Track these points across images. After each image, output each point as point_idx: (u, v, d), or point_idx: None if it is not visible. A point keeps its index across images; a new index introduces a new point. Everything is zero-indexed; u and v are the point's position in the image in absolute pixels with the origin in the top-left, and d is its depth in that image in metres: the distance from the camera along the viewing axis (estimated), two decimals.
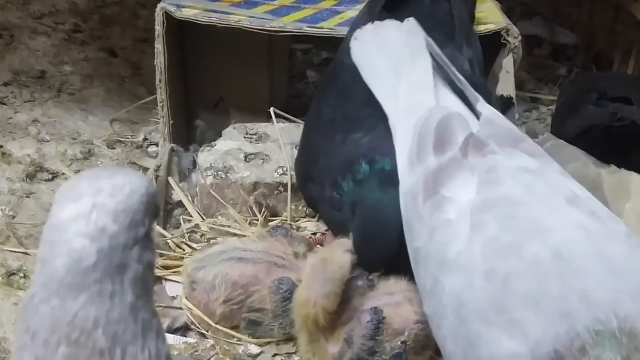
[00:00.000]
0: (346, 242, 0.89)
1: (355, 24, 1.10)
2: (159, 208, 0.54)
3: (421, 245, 0.75)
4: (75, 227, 0.46)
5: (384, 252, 0.86)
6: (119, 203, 0.47)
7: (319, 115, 1.05)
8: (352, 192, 0.92)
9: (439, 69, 0.89)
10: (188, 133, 1.28)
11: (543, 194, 0.71)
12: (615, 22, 1.53)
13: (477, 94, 0.85)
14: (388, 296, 0.86)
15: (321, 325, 0.82)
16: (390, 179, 0.85)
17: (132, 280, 0.47)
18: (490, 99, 1.08)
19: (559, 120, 1.25)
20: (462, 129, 0.79)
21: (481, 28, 1.13)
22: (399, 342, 0.81)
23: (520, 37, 1.12)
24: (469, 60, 1.03)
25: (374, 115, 0.93)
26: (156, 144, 1.30)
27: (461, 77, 0.88)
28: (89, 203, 0.47)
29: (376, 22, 0.98)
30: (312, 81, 1.55)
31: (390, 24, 0.96)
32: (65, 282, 0.45)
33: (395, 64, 0.90)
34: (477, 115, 0.84)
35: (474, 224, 0.70)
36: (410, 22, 0.93)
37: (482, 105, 0.84)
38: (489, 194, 0.72)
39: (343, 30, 1.11)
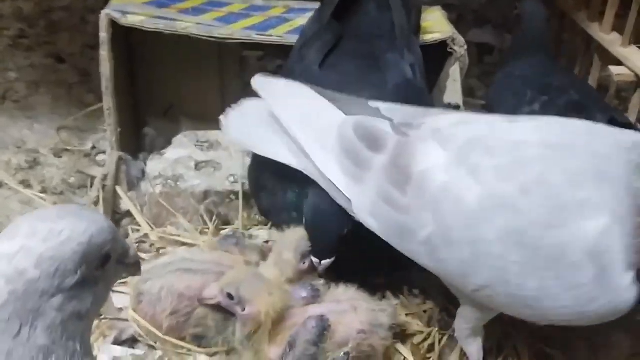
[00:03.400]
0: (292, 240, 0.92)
1: (305, 32, 1.11)
2: (108, 256, 0.52)
3: (430, 231, 0.71)
4: None
5: (328, 236, 0.88)
6: (48, 249, 0.47)
7: None
8: (302, 184, 0.92)
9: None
10: (137, 141, 1.26)
11: (492, 125, 0.74)
12: (562, 31, 1.57)
13: (363, 99, 0.86)
14: (334, 304, 0.86)
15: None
16: None
17: (49, 326, 0.47)
18: (433, 103, 1.10)
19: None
20: (381, 123, 0.78)
21: (427, 37, 1.15)
22: (342, 353, 0.81)
23: (466, 47, 1.14)
24: (410, 65, 1.05)
25: None
26: (105, 153, 1.28)
27: (328, 92, 0.88)
28: (18, 244, 0.46)
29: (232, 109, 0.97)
30: None
31: (246, 104, 0.95)
32: None
33: (275, 120, 0.88)
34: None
35: (469, 170, 0.69)
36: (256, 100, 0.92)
37: (373, 103, 0.84)
38: (456, 143, 0.72)
39: (292, 38, 1.11)
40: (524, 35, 1.26)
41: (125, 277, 0.71)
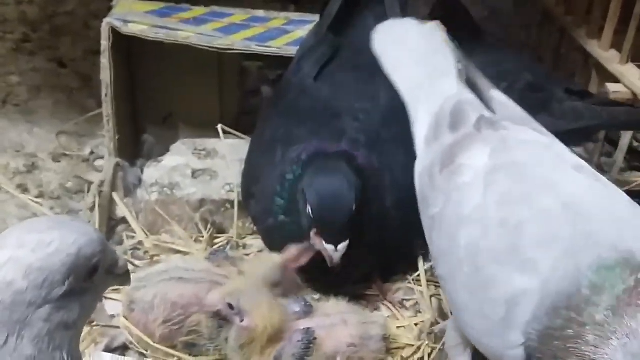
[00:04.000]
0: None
1: (304, 44, 1.12)
2: (96, 268, 0.52)
3: (437, 212, 0.80)
4: None
5: (340, 214, 0.88)
6: (37, 260, 0.47)
7: (262, 135, 1.06)
8: (294, 185, 0.94)
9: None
10: (136, 148, 1.27)
11: (551, 161, 0.78)
12: (560, 46, 1.58)
13: (490, 83, 0.92)
14: (323, 318, 0.86)
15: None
16: (324, 160, 0.92)
17: (36, 337, 0.47)
18: None
19: None
20: (475, 111, 0.85)
21: None
22: None
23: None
24: None
25: (311, 132, 0.95)
26: (103, 158, 1.28)
27: (476, 69, 0.93)
28: (7, 255, 0.47)
29: (397, 19, 1.02)
30: (266, 97, 1.56)
31: (412, 21, 0.99)
32: None
33: (418, 57, 0.95)
34: (487, 103, 0.90)
35: (487, 182, 0.75)
36: (433, 24, 0.97)
37: (495, 92, 0.91)
38: (501, 158, 0.78)
39: (291, 50, 1.12)
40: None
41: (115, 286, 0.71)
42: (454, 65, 0.90)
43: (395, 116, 1.04)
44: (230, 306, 0.86)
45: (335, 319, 0.86)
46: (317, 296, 0.92)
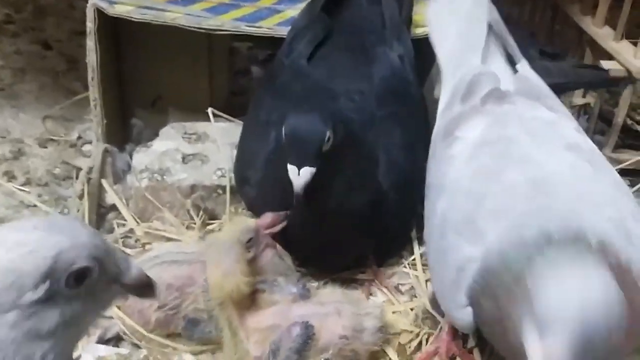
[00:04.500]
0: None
1: (295, 25, 1.09)
2: (83, 274, 0.48)
3: (429, 181, 0.86)
4: None
5: (310, 136, 0.84)
6: (9, 261, 0.44)
7: (255, 118, 1.04)
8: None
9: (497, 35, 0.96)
10: (124, 132, 1.25)
11: (544, 139, 0.78)
12: (554, 22, 1.56)
13: (522, 59, 0.94)
14: (318, 306, 0.85)
15: (243, 300, 0.83)
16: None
17: (1, 342, 0.44)
18: (423, 95, 1.10)
19: None
20: (489, 83, 0.87)
21: (419, 31, 1.13)
22: (322, 359, 0.81)
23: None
24: (399, 56, 1.05)
25: None
26: (91, 143, 1.26)
27: (512, 44, 0.95)
28: None
29: None
30: (256, 77, 1.53)
31: None
32: None
33: (458, 29, 0.98)
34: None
35: (471, 156, 0.79)
36: None
37: (521, 65, 0.93)
38: (492, 133, 0.80)
39: (282, 30, 1.10)
40: None
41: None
42: (484, 39, 0.93)
43: (391, 97, 1.03)
44: None
45: (329, 308, 0.85)
46: (315, 283, 0.91)
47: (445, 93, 0.93)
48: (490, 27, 0.95)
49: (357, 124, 0.98)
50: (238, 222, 0.94)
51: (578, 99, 1.44)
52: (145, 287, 0.55)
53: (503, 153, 0.77)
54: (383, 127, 1.01)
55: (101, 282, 0.50)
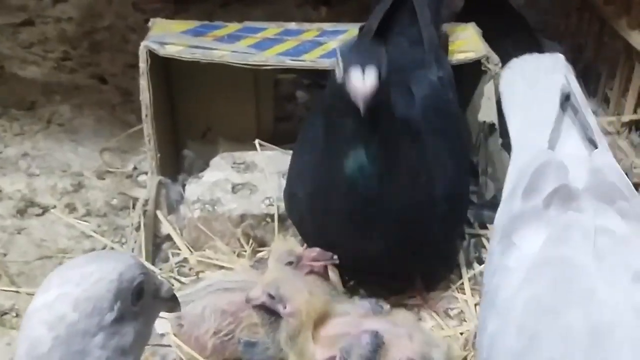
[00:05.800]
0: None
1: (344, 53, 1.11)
2: (141, 290, 0.55)
3: (485, 282, 0.79)
4: (38, 316, 0.49)
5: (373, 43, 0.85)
6: (83, 291, 0.50)
7: (304, 137, 1.06)
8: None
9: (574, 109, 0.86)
10: (177, 163, 1.30)
11: (610, 264, 0.68)
12: (602, 34, 1.54)
13: (601, 140, 0.82)
14: (391, 324, 0.87)
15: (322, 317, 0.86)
16: None
17: None
18: (465, 118, 1.11)
19: None
20: (555, 179, 0.77)
21: (461, 57, 1.15)
22: None
23: (500, 64, 1.13)
24: (438, 78, 1.06)
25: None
26: (146, 173, 1.31)
27: (591, 121, 0.83)
28: (54, 293, 0.49)
29: (531, 55, 0.94)
30: (301, 102, 1.56)
31: (538, 58, 0.94)
32: None
33: (524, 100, 0.90)
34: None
35: (527, 277, 0.70)
36: (556, 57, 0.91)
37: (598, 153, 0.81)
38: (552, 251, 0.71)
39: (325, 62, 1.12)
40: None
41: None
42: (554, 117, 0.82)
43: (433, 114, 1.04)
44: (271, 296, 0.88)
45: (402, 330, 0.86)
46: (387, 306, 0.94)
47: (510, 175, 0.84)
48: (566, 99, 0.85)
49: (409, 126, 0.99)
50: (284, 244, 0.98)
51: (628, 115, 1.42)
52: (174, 301, 0.62)
53: (562, 283, 0.68)
54: (429, 141, 1.01)
55: (149, 298, 0.56)
